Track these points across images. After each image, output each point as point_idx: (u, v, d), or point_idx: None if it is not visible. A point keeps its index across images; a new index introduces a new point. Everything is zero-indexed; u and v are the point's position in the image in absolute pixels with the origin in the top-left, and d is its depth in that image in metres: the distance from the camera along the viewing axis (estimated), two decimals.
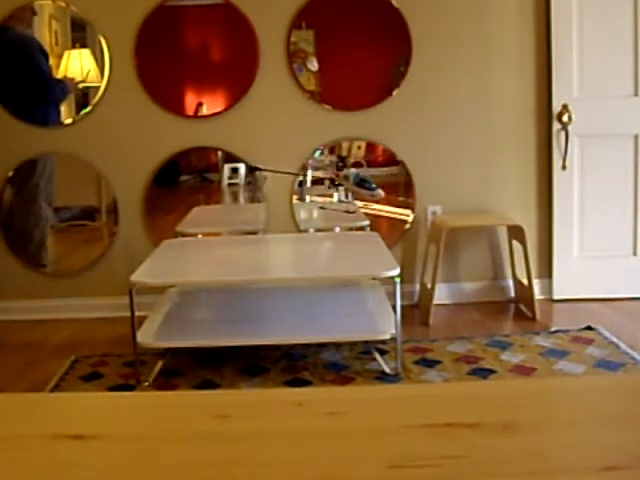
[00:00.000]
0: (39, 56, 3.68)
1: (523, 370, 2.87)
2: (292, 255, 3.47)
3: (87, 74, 3.69)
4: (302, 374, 2.94)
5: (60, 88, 3.73)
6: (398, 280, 2.76)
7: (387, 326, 2.88)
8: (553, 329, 3.35)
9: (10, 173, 3.76)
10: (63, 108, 3.81)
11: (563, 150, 3.67)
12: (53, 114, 3.79)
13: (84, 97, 3.77)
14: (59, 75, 3.72)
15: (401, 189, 3.87)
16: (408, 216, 3.84)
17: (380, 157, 3.89)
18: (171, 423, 0.90)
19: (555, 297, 3.79)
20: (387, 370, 2.92)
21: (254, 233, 3.84)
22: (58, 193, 3.88)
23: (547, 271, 3.82)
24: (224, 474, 0.79)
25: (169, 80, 3.78)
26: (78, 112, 3.76)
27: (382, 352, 3.09)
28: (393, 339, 2.85)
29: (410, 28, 3.66)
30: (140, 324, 2.93)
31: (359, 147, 3.87)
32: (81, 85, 3.73)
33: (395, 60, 3.78)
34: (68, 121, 3.76)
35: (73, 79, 3.72)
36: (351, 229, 3.97)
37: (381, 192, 2.97)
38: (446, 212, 3.81)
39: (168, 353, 3.11)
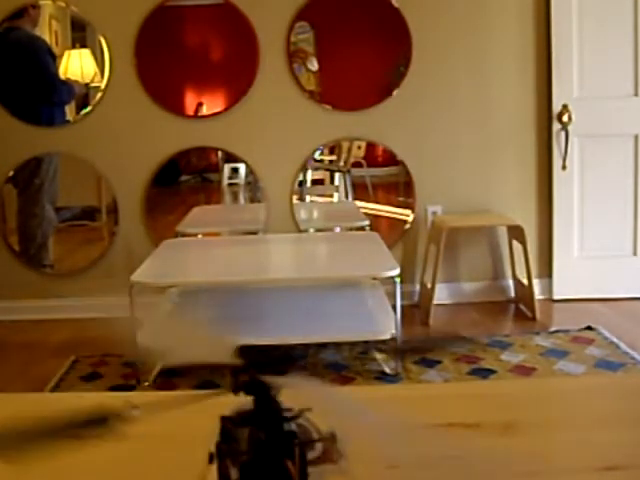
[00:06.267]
0: (47, 57, 3.68)
1: (523, 370, 2.87)
2: (292, 255, 3.47)
3: (94, 76, 3.70)
4: (302, 374, 2.93)
5: (66, 89, 3.73)
6: (398, 280, 2.76)
7: (387, 326, 2.88)
8: (553, 329, 3.35)
9: (10, 173, 3.76)
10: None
11: (563, 150, 3.67)
12: (59, 114, 3.79)
13: (84, 97, 3.76)
14: (61, 76, 3.72)
15: (401, 189, 3.87)
16: (408, 216, 3.84)
17: (380, 157, 3.89)
18: (171, 423, 0.90)
19: (555, 297, 3.78)
20: (387, 370, 2.92)
21: (254, 233, 3.84)
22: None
23: (547, 271, 3.81)
24: None
25: (169, 80, 3.78)
26: (78, 112, 3.76)
27: (382, 352, 3.09)
28: (393, 339, 2.85)
29: (410, 28, 3.66)
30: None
31: (359, 147, 3.87)
32: (89, 86, 3.73)
33: (395, 60, 3.78)
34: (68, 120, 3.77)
35: (77, 81, 3.72)
36: (351, 229, 3.97)
37: None
38: (446, 212, 3.81)
39: None
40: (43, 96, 3.76)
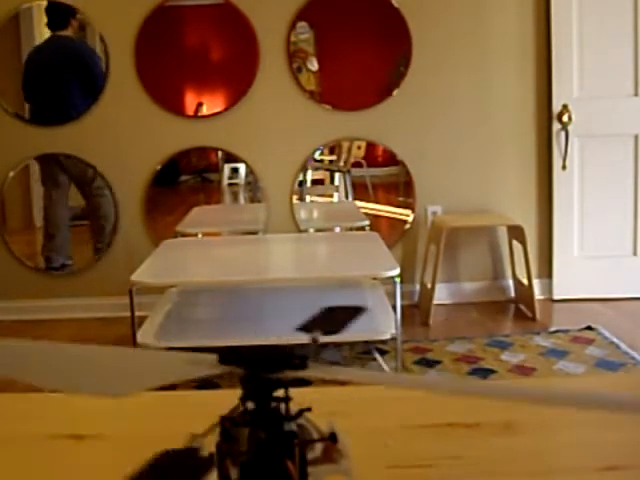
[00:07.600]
0: (99, 60, 3.69)
1: (523, 370, 2.87)
2: (292, 255, 3.47)
3: None
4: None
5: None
6: (398, 280, 2.76)
7: (387, 326, 2.88)
8: (553, 329, 3.35)
9: (11, 174, 3.75)
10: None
11: (563, 150, 3.67)
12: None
13: None
14: None
15: (401, 189, 3.87)
16: (408, 216, 3.84)
17: (380, 157, 3.89)
18: (171, 423, 0.90)
19: (555, 297, 3.79)
20: (387, 370, 2.92)
21: (254, 233, 3.84)
22: None
23: (547, 271, 3.82)
24: None
25: (169, 80, 3.78)
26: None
27: (382, 352, 3.09)
28: (393, 339, 2.85)
29: (410, 28, 3.66)
30: (140, 324, 2.93)
31: (359, 147, 3.87)
32: None
33: (395, 60, 3.78)
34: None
35: None
36: (351, 229, 3.97)
37: None
38: (446, 212, 3.81)
39: None
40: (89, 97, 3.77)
